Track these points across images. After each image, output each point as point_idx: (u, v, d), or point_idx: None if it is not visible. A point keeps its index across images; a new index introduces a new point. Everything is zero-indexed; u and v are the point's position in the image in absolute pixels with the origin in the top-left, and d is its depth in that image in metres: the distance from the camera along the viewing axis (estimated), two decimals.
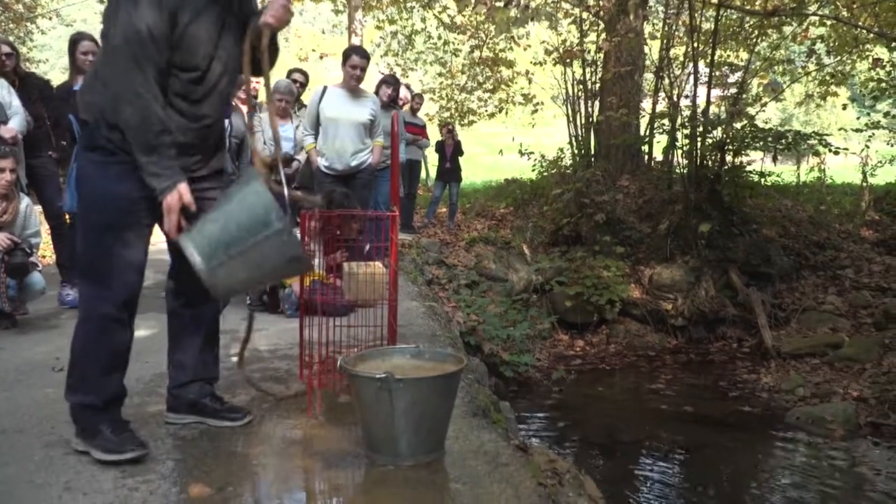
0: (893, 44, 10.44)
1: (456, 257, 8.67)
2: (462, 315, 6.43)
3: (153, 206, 2.29)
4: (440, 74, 16.48)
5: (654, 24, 12.48)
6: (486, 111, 15.96)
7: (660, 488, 4.76)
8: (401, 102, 8.20)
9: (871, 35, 10.94)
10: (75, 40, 4.96)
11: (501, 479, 2.20)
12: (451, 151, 10.21)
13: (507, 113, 15.81)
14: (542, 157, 11.30)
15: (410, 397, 2.19)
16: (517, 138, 12.05)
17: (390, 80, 7.22)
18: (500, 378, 6.18)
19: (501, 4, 7.80)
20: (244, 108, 6.12)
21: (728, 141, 9.11)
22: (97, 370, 2.33)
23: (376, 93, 6.72)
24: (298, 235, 2.99)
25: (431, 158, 11.28)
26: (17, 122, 4.69)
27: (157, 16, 2.16)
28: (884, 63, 11.43)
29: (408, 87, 9.67)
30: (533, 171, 11.74)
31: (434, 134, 11.12)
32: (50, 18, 16.64)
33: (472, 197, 13.52)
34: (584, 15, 11.59)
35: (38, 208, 4.78)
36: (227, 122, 5.26)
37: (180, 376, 2.62)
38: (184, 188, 2.25)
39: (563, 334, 8.50)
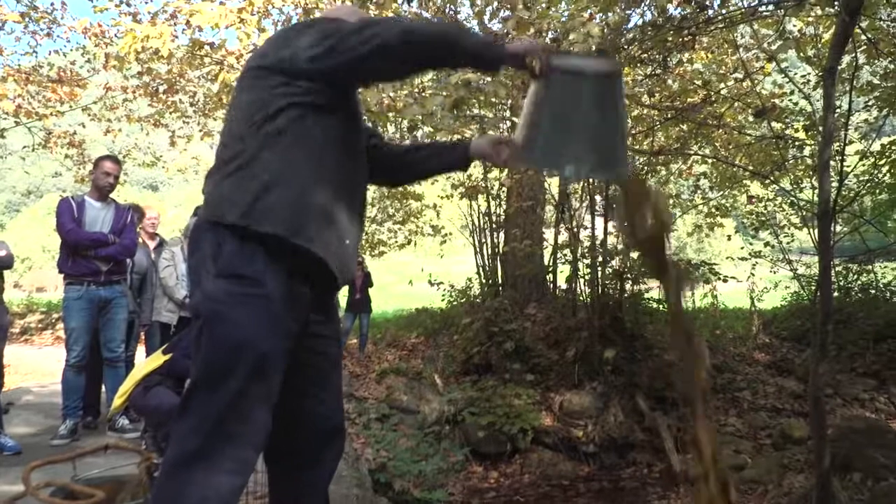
0: (766, 181, 11.45)
1: (367, 390, 8.54)
2: (371, 451, 6.27)
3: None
4: None
5: None
6: (397, 242, 16.26)
7: None
8: None
9: (747, 173, 12.00)
10: None
11: None
12: (360, 283, 10.28)
13: (416, 244, 16.16)
14: (452, 286, 11.53)
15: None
16: (427, 268, 12.29)
17: None
18: None
19: None
20: (151, 244, 6.06)
21: (626, 270, 9.59)
22: None
23: None
24: None
25: (342, 290, 11.29)
26: None
27: None
28: (759, 199, 12.48)
29: None
30: (443, 300, 11.90)
31: None
32: None
33: (382, 327, 13.49)
34: None
35: None
36: (129, 260, 5.18)
37: None
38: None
39: (477, 466, 8.35)
